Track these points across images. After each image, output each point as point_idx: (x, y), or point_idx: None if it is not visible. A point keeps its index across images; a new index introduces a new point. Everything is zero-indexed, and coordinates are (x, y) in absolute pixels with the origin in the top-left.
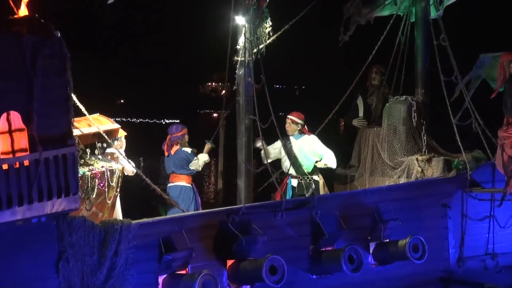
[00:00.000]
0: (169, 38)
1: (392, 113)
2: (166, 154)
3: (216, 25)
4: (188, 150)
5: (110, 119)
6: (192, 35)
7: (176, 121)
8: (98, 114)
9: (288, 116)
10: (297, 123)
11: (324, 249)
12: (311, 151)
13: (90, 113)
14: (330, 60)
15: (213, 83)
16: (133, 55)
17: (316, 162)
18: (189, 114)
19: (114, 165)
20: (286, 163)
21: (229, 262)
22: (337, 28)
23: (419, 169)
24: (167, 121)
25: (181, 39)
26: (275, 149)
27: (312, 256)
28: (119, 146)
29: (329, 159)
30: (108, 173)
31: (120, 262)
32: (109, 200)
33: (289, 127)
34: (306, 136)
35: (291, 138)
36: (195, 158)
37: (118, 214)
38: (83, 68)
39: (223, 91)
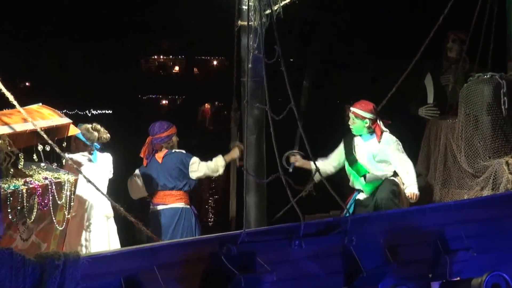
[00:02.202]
0: None
1: (472, 97)
2: (144, 163)
3: None
4: (183, 151)
5: (56, 111)
6: None
7: (107, 111)
8: (40, 104)
9: (351, 108)
10: (363, 118)
11: None
12: (384, 161)
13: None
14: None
15: (162, 56)
16: (42, 19)
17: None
18: (127, 101)
19: (63, 176)
20: (353, 176)
21: None
22: None
23: (511, 177)
24: (94, 112)
25: None
26: (334, 159)
27: None
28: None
29: (409, 180)
30: (54, 187)
31: None
32: (59, 225)
33: (353, 123)
34: (375, 137)
35: (357, 139)
36: (197, 160)
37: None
38: None
39: (176, 67)
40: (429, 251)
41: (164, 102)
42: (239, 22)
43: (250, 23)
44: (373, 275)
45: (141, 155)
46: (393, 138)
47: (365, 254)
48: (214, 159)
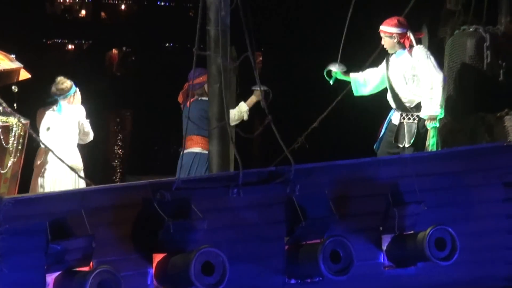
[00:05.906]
0: None
1: (455, 51)
2: (182, 108)
3: None
4: None
5: (8, 55)
6: None
7: (10, 55)
8: None
9: (380, 28)
10: (390, 34)
11: (305, 242)
12: (413, 75)
13: None
14: None
15: None
16: None
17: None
18: (30, 46)
19: (12, 119)
20: (388, 94)
21: (157, 257)
22: None
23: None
24: None
25: None
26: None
27: (288, 252)
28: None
29: (429, 99)
30: (1, 130)
31: None
32: (6, 169)
33: (385, 42)
34: (407, 52)
35: (391, 57)
36: None
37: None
38: None
39: (83, 11)
40: (380, 204)
41: (70, 47)
42: None
43: None
44: (314, 225)
45: (178, 99)
46: (424, 49)
47: (308, 205)
48: (237, 106)
